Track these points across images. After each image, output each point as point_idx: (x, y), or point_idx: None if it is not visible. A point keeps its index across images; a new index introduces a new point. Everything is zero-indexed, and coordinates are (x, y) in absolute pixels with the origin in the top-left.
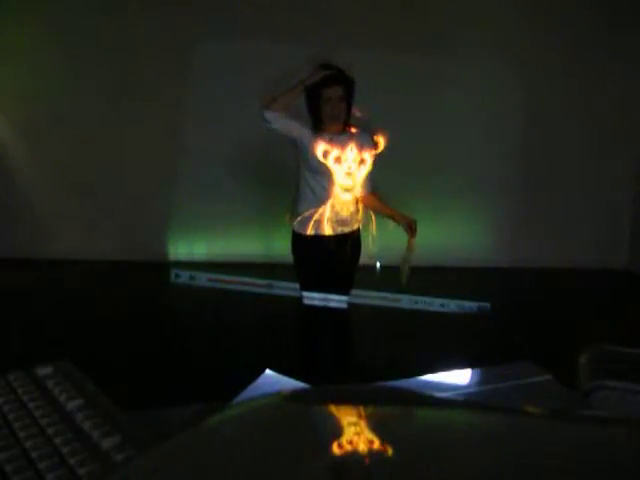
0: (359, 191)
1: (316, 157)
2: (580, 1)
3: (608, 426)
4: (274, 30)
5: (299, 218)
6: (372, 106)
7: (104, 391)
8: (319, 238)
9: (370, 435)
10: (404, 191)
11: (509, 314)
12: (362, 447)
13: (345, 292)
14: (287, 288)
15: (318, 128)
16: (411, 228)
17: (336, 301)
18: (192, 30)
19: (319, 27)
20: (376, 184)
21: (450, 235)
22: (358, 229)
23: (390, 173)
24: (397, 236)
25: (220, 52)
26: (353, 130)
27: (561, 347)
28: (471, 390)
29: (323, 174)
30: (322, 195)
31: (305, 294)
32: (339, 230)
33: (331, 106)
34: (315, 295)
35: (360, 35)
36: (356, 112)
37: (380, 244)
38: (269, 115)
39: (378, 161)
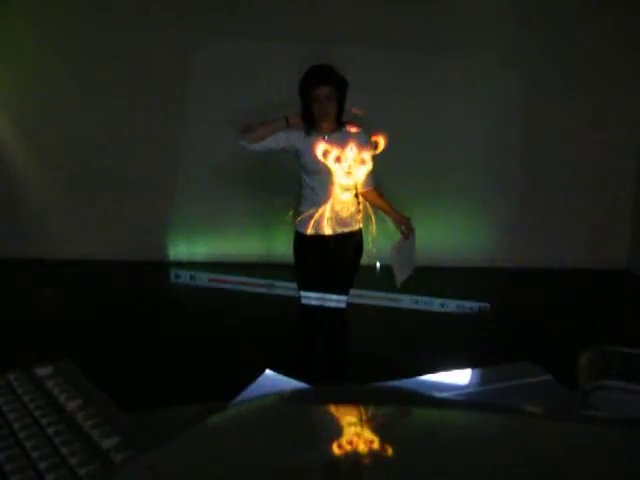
0: (359, 190)
1: (312, 159)
2: (580, 1)
3: (608, 426)
4: (275, 29)
5: (299, 218)
6: (372, 106)
7: (104, 391)
8: (319, 238)
9: (370, 435)
10: (404, 191)
11: (509, 314)
12: (362, 447)
13: (344, 292)
14: (287, 288)
15: (311, 128)
16: (407, 227)
17: (334, 301)
18: (192, 31)
19: (319, 26)
20: (379, 181)
21: (450, 235)
22: (359, 230)
23: (390, 173)
24: (398, 236)
25: (222, 52)
26: (352, 129)
27: (561, 347)
28: (471, 390)
29: (320, 174)
30: (322, 195)
31: (303, 293)
32: (339, 230)
33: (319, 105)
34: (313, 295)
35: (360, 34)
36: (354, 111)
37: (380, 244)
38: (243, 143)
39: (378, 161)
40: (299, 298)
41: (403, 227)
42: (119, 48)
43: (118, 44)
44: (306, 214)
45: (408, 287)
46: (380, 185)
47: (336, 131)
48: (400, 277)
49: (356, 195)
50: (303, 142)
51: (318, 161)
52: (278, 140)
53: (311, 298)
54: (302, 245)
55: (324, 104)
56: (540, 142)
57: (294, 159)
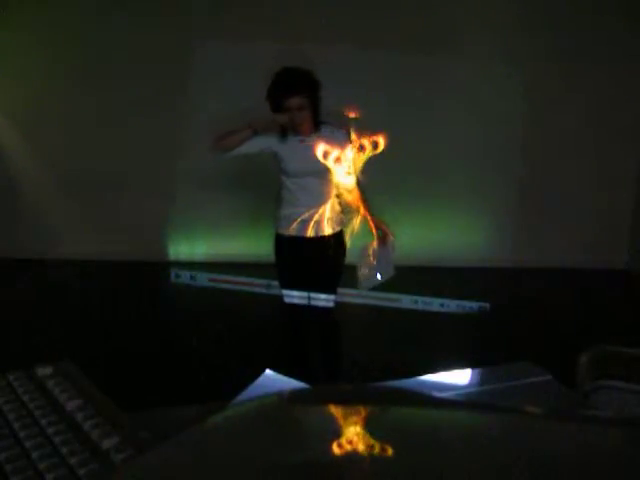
0: (354, 190)
1: (292, 162)
2: (579, 1)
3: (608, 426)
4: (275, 30)
5: (298, 220)
6: (372, 106)
7: (104, 391)
8: (320, 239)
9: (369, 435)
10: (404, 191)
11: (509, 314)
12: (361, 447)
13: (335, 291)
14: None
15: (285, 133)
16: (383, 233)
17: (320, 300)
18: (191, 31)
19: (319, 26)
20: (366, 183)
21: (450, 235)
22: (342, 230)
23: (390, 173)
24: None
25: (219, 52)
26: (333, 130)
27: (561, 347)
28: (471, 390)
29: (300, 176)
30: (302, 197)
31: (285, 292)
32: (338, 229)
33: (292, 115)
34: (295, 293)
35: (360, 34)
36: (350, 113)
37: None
38: (218, 153)
39: (378, 161)
40: (282, 298)
41: (379, 231)
42: (119, 48)
43: (118, 44)
44: (306, 215)
45: (408, 287)
46: (362, 187)
47: (313, 133)
48: (367, 282)
49: (337, 195)
50: (281, 146)
51: (298, 163)
52: (254, 145)
53: (297, 297)
54: (290, 247)
55: (296, 114)
56: (540, 142)
57: (273, 161)
